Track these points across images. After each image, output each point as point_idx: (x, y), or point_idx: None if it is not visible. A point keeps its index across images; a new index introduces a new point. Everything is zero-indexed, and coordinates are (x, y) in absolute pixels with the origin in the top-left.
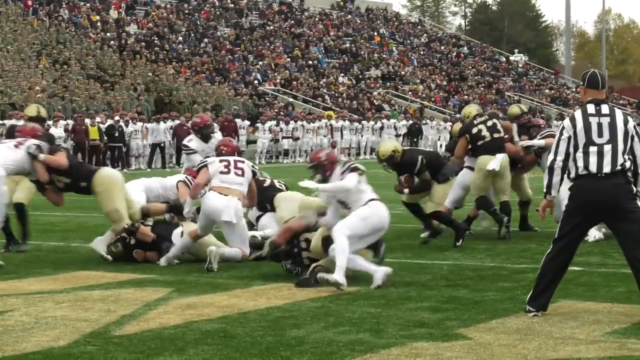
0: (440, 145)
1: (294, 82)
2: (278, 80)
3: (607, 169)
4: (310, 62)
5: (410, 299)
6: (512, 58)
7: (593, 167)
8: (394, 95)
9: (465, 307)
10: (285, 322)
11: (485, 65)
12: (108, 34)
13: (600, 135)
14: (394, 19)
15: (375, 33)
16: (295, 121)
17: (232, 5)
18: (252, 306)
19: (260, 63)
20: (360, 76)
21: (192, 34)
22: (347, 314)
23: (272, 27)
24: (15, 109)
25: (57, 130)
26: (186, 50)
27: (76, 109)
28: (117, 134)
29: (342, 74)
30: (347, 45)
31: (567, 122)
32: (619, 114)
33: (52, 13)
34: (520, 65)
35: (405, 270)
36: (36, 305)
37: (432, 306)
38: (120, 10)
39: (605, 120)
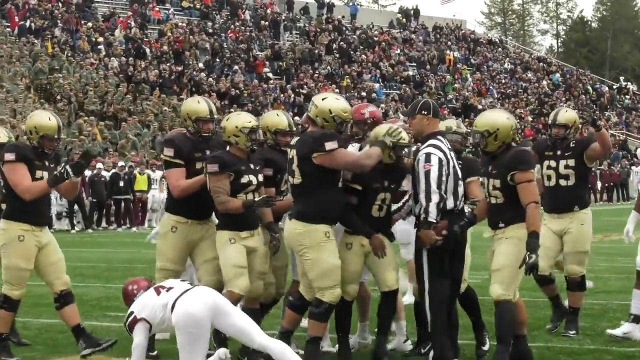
0: None
1: None
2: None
3: None
4: (364, 93)
5: None
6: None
7: None
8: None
9: None
10: None
11: (582, 97)
12: (113, 59)
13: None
14: (469, 39)
15: (446, 55)
16: None
17: (267, 24)
18: None
19: (302, 94)
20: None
21: (217, 59)
22: None
23: (316, 51)
24: None
25: None
26: (210, 79)
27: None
28: (122, 184)
29: (403, 107)
30: (410, 72)
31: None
32: None
33: (44, 34)
34: (627, 97)
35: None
36: None
37: None
38: (129, 29)
39: None
